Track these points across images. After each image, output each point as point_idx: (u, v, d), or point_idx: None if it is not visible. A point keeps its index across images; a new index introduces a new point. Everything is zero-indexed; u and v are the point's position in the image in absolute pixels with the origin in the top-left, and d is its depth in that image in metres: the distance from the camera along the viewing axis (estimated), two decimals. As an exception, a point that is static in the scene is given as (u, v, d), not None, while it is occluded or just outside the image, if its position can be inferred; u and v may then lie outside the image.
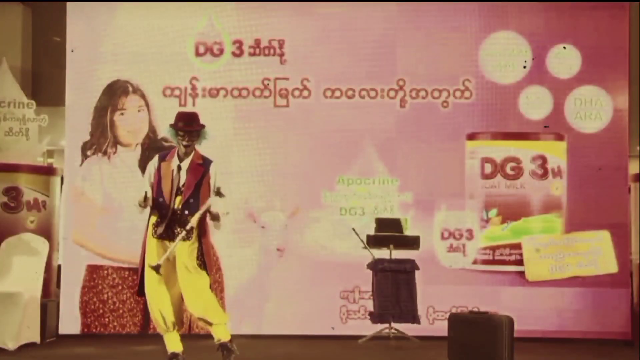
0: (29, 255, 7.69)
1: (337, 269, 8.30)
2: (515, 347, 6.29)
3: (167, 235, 5.99)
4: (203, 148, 6.23)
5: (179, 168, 6.07)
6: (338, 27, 8.50)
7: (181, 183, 6.04)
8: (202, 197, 6.04)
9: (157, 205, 6.03)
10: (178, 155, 6.10)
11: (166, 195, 6.01)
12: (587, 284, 8.30)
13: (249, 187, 8.40)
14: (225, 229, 8.15)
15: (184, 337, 6.21)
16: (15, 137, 8.62)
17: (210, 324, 6.02)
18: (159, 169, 6.09)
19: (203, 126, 6.15)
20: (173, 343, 6.11)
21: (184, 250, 5.99)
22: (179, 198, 6.02)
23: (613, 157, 8.37)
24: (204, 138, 6.15)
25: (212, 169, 6.13)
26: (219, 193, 5.96)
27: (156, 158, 6.18)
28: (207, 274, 6.07)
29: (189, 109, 8.34)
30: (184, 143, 6.07)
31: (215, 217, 6.03)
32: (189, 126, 6.08)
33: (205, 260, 6.05)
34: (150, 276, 6.01)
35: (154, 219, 6.05)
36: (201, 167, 6.10)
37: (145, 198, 5.96)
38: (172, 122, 6.16)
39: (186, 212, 6.00)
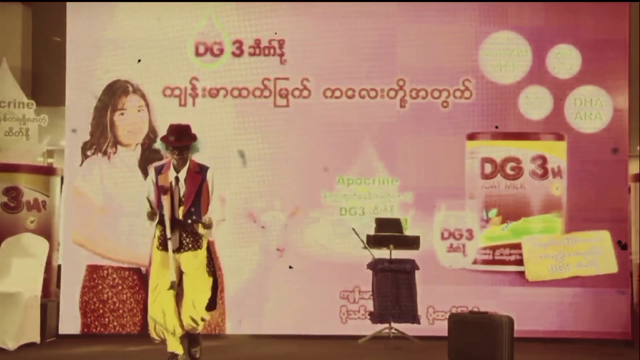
0: (29, 255, 7.70)
1: (337, 269, 8.29)
2: (515, 347, 6.29)
3: (176, 246, 6.02)
4: (203, 148, 6.22)
5: (177, 179, 6.08)
6: (338, 27, 8.50)
7: (181, 193, 6.06)
8: (203, 204, 6.08)
9: (161, 217, 6.05)
10: (174, 167, 6.11)
11: (167, 207, 6.02)
12: (587, 284, 8.29)
13: (249, 187, 8.40)
14: (225, 229, 8.21)
15: (184, 337, 6.22)
16: (15, 137, 8.61)
17: (204, 319, 6.10)
18: (156, 183, 6.10)
19: (194, 139, 6.13)
20: (174, 344, 6.13)
21: (193, 258, 6.03)
22: (181, 208, 6.05)
23: (613, 157, 8.37)
24: (196, 150, 6.14)
25: (209, 175, 6.17)
26: (207, 225, 6.03)
27: (152, 172, 6.21)
28: (214, 281, 6.13)
29: (189, 109, 8.36)
30: (175, 157, 6.08)
31: (208, 226, 6.05)
32: (179, 141, 6.07)
33: (214, 267, 6.15)
34: (155, 279, 6.05)
35: (158, 231, 6.10)
36: (199, 175, 6.12)
37: (154, 212, 6.00)
38: (165, 132, 6.17)
39: (189, 220, 6.03)
